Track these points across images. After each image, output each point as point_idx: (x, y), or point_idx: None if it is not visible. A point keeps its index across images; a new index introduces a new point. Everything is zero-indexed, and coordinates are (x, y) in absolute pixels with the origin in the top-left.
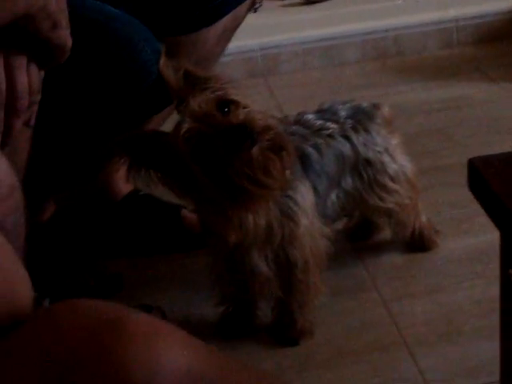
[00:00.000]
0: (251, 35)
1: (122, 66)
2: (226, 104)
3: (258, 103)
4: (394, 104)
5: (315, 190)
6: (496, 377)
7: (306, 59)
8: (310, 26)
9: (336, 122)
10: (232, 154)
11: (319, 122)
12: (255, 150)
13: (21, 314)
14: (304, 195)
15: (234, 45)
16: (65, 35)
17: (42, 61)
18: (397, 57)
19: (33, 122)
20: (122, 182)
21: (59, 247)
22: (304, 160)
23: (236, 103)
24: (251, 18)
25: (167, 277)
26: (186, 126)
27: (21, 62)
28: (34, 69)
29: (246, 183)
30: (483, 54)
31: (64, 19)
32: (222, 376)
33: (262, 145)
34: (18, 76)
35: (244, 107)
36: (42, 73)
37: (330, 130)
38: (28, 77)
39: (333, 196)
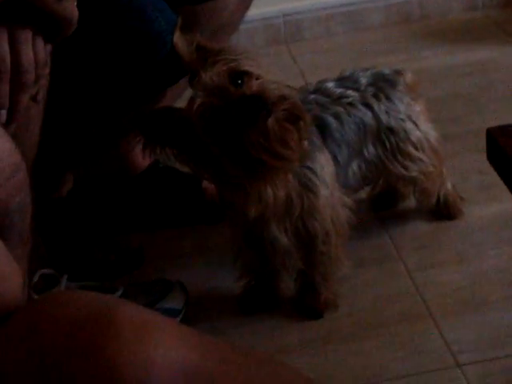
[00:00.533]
0: (272, 1)
1: (136, 37)
2: (238, 76)
3: (281, 71)
4: (419, 69)
5: (335, 159)
6: None
7: (328, 25)
8: None
9: (357, 89)
10: (247, 126)
11: (339, 90)
12: (271, 121)
13: (10, 307)
14: (323, 165)
15: (255, 12)
16: (71, 7)
17: (48, 34)
18: (421, 21)
19: (40, 96)
20: (142, 154)
21: (79, 222)
22: (323, 129)
23: (249, 74)
24: None
25: (189, 250)
26: (199, 101)
27: (26, 36)
28: (39, 42)
29: (263, 155)
30: (508, 17)
31: None
32: (221, 370)
33: (278, 115)
34: (24, 50)
35: (257, 78)
36: (50, 46)
37: (351, 98)
38: (34, 50)
39: (354, 165)
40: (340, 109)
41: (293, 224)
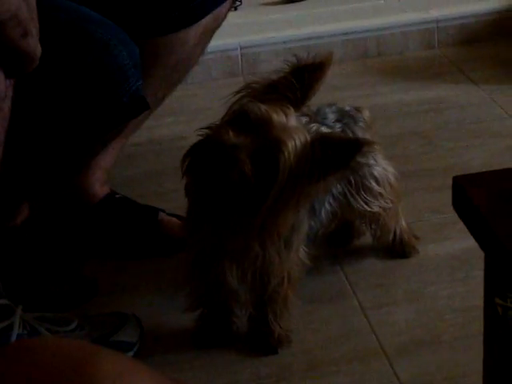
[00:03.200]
0: (231, 34)
1: (98, 70)
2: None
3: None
4: (374, 105)
5: (313, 210)
6: None
7: (286, 58)
8: (290, 25)
9: (327, 125)
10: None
11: (313, 125)
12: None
13: None
14: (299, 231)
15: (213, 43)
16: (34, 44)
17: (9, 68)
18: (378, 57)
19: None
20: (99, 185)
21: (33, 251)
22: None
23: None
24: (231, 17)
25: (143, 282)
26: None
27: None
28: (0, 76)
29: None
30: (464, 56)
31: (34, 27)
32: None
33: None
34: None
35: None
36: (11, 81)
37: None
38: None
39: (327, 204)
40: None
41: (247, 270)
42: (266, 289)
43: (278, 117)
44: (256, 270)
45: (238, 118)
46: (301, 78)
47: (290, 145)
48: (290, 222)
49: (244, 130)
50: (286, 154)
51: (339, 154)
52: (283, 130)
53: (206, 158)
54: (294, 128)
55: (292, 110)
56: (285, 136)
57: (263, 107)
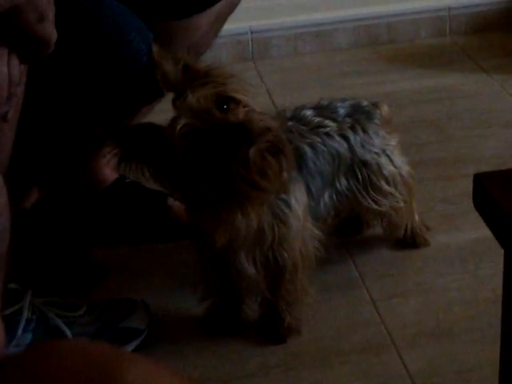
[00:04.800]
0: (242, 18)
1: (112, 56)
2: (225, 101)
3: None
4: (386, 93)
5: (309, 190)
6: (488, 382)
7: (296, 44)
8: (301, 11)
9: (334, 120)
10: (228, 154)
11: (317, 119)
12: (252, 152)
13: None
14: (297, 197)
15: (224, 27)
16: (50, 29)
17: (23, 53)
18: (389, 44)
19: (10, 116)
20: (108, 169)
21: (42, 236)
22: (299, 159)
23: (236, 101)
24: (243, 1)
25: (152, 267)
26: (182, 122)
27: (1, 53)
28: (14, 61)
29: (242, 184)
30: (475, 44)
31: (51, 12)
32: None
33: (260, 146)
34: None
35: (244, 106)
36: (24, 66)
37: (328, 129)
38: (8, 68)
39: (326, 196)
40: (316, 138)
41: (262, 254)
42: (282, 274)
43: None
44: (272, 252)
45: None
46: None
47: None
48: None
49: None
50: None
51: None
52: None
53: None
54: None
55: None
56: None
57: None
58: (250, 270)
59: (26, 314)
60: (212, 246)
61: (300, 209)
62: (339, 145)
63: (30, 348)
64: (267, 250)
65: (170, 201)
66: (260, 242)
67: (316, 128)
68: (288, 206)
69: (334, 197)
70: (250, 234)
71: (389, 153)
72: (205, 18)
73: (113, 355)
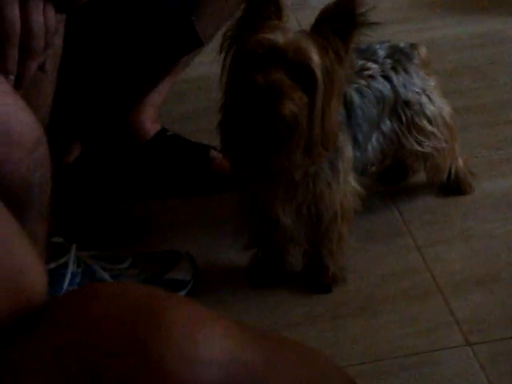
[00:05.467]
0: None
1: (152, 6)
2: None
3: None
4: (427, 40)
5: (355, 140)
6: None
7: None
8: None
9: (376, 61)
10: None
11: (361, 62)
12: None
13: (34, 304)
14: (341, 150)
15: None
16: None
17: (59, 2)
18: None
19: (49, 66)
20: (150, 122)
21: (86, 190)
22: (349, 106)
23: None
24: None
25: (196, 219)
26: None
27: (37, 2)
28: (50, 10)
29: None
30: None
31: None
32: (269, 369)
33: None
34: (34, 15)
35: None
36: (61, 16)
37: (371, 71)
38: (44, 17)
39: (373, 140)
40: (362, 82)
41: (300, 206)
42: (321, 224)
43: (278, 35)
44: (309, 205)
45: (247, 59)
46: None
47: (309, 47)
48: (337, 125)
49: (261, 65)
50: (314, 57)
51: (344, 18)
52: (292, 42)
53: (251, 111)
54: (297, 34)
55: (280, 21)
56: (299, 44)
57: (261, 36)
58: (286, 220)
59: (71, 268)
60: (252, 195)
61: (343, 162)
62: (383, 86)
63: (74, 291)
64: (307, 202)
65: (213, 153)
66: (300, 193)
67: (361, 71)
68: (331, 165)
69: (381, 139)
70: (287, 184)
71: (429, 93)
72: None
73: (155, 295)
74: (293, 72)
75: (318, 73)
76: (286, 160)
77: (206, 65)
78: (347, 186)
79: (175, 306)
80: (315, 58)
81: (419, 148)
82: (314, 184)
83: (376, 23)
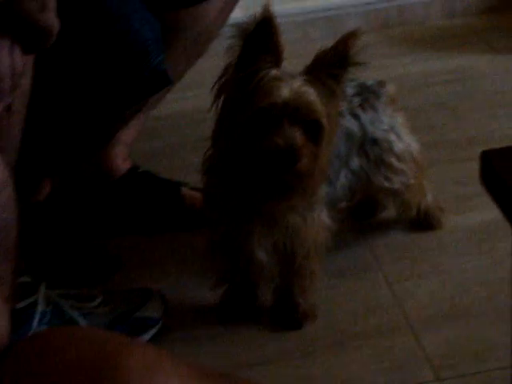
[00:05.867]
0: (249, 5)
1: (120, 45)
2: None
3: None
4: (397, 76)
5: (327, 177)
6: (505, 362)
7: (306, 30)
8: None
9: (344, 99)
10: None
11: None
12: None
13: None
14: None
15: (232, 15)
16: (52, 18)
17: (27, 44)
18: (400, 27)
19: (15, 107)
20: (121, 159)
21: (56, 227)
22: None
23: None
24: None
25: (167, 257)
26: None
27: (4, 44)
28: (17, 51)
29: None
30: (487, 25)
31: (52, 1)
32: None
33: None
34: (1, 57)
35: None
36: (29, 57)
37: (340, 109)
38: (11, 59)
39: (342, 177)
40: None
41: (275, 241)
42: (294, 260)
43: (286, 91)
44: (285, 241)
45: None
46: (258, 41)
47: (315, 100)
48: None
49: (276, 123)
50: (321, 109)
51: (340, 63)
52: (301, 97)
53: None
54: (302, 86)
55: (279, 69)
56: (308, 99)
57: (273, 96)
58: (261, 256)
59: (40, 307)
60: (225, 232)
61: (317, 200)
62: (351, 124)
63: (30, 339)
64: (281, 237)
65: (183, 190)
66: (273, 230)
67: None
68: (310, 206)
69: (350, 176)
70: (265, 220)
71: (397, 130)
72: (212, 6)
73: (114, 342)
74: (305, 127)
75: (325, 123)
76: (287, 202)
77: (179, 102)
78: (320, 221)
79: (135, 352)
80: (321, 109)
81: (388, 184)
82: (290, 219)
83: (366, 63)
